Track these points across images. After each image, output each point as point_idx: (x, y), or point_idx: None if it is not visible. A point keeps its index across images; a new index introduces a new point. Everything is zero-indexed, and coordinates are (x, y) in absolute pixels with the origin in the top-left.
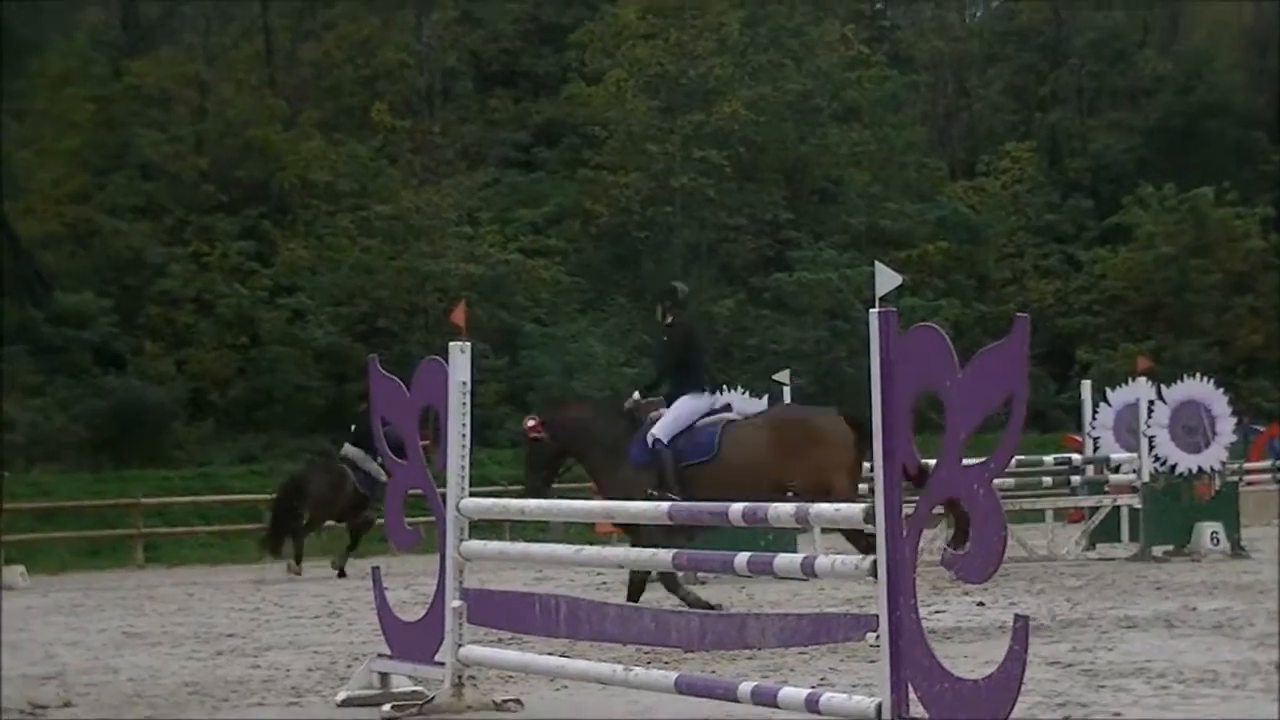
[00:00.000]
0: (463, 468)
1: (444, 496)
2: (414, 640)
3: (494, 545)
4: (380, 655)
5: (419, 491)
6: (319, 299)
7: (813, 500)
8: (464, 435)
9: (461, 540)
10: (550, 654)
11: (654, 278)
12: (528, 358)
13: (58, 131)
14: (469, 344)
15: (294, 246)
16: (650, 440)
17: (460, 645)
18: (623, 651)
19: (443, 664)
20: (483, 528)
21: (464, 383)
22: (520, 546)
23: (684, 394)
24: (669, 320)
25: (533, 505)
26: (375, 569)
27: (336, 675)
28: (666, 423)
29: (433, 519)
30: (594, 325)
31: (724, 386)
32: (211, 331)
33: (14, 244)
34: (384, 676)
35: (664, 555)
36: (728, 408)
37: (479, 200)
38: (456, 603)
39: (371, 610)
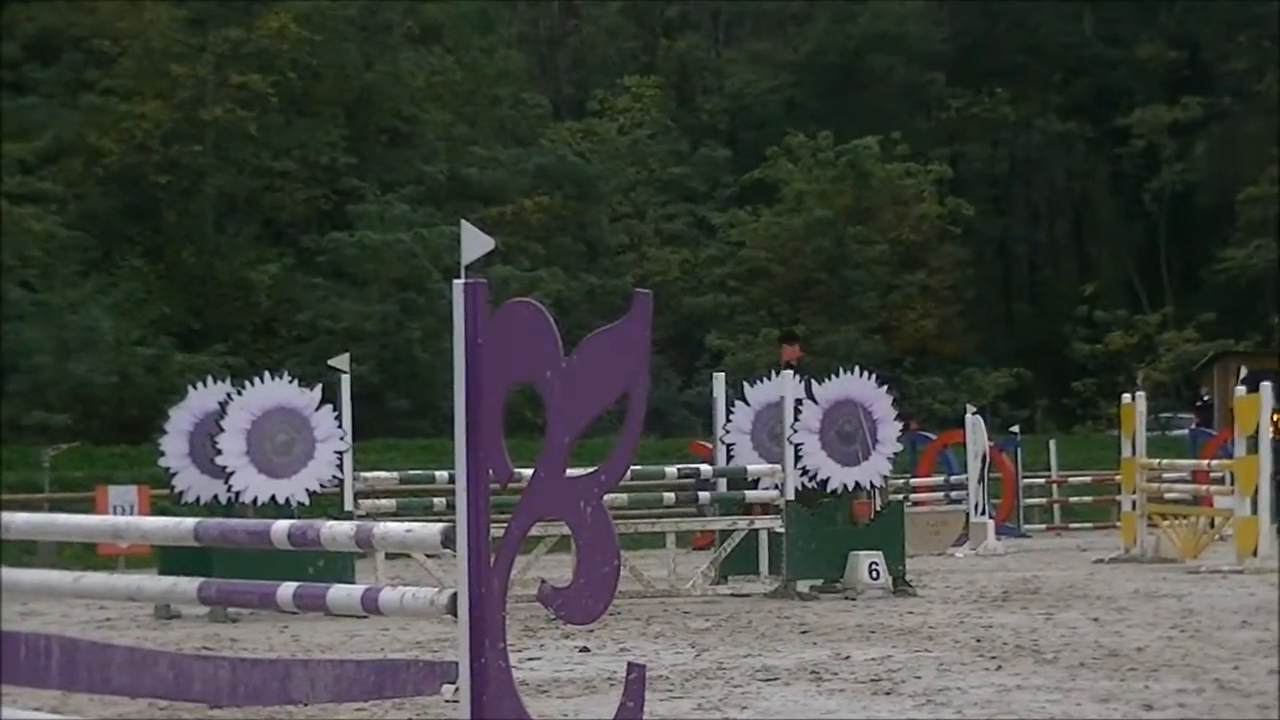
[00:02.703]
0: None
1: None
2: None
3: None
4: None
5: None
6: None
7: None
8: None
9: None
10: (38, 710)
11: (178, 233)
12: (12, 331)
13: None
14: None
15: None
16: None
17: None
18: (132, 706)
19: None
20: None
21: None
22: (2, 573)
23: None
24: None
25: (20, 520)
26: None
27: None
28: None
29: None
30: (100, 292)
31: (266, 372)
32: None
33: None
34: None
35: (186, 585)
36: None
37: None
38: None
39: None
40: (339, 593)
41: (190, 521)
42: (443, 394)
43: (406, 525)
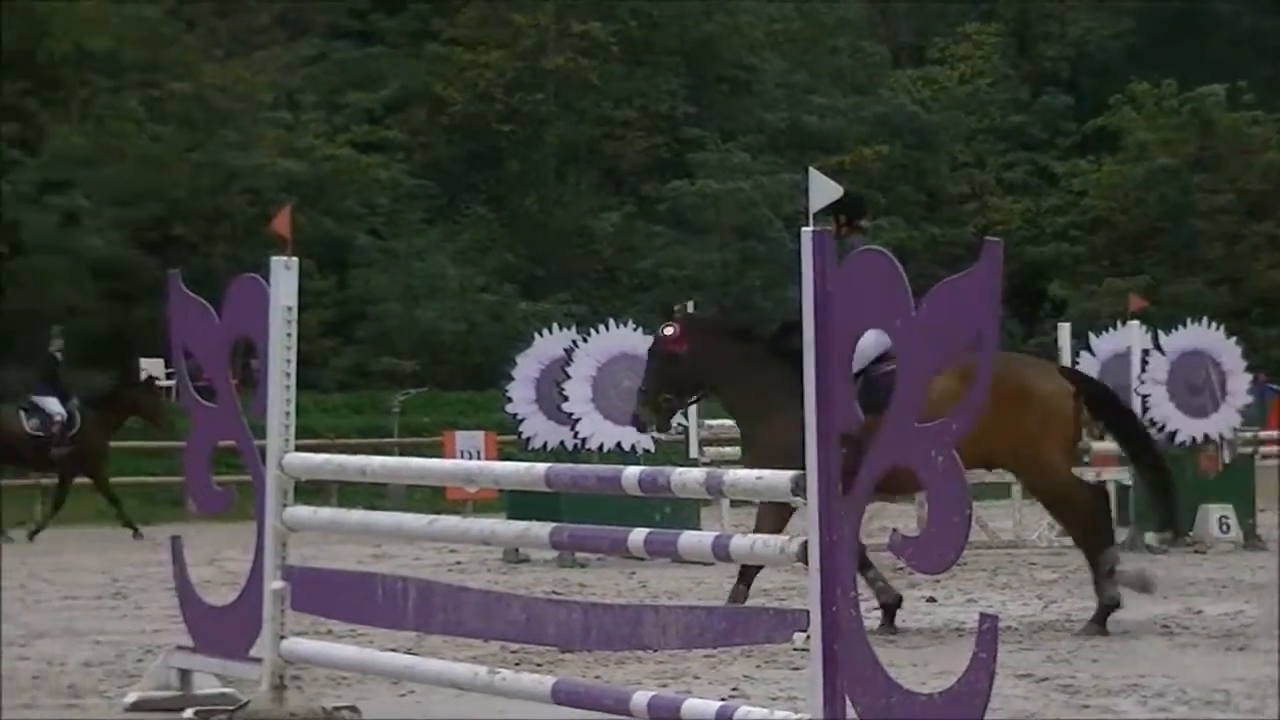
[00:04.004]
0: (286, 414)
1: (262, 451)
2: (223, 630)
3: (325, 513)
4: (179, 648)
5: (230, 443)
6: (98, 198)
7: (1020, 476)
8: (288, 374)
9: (285, 506)
10: (394, 650)
11: (520, 181)
12: (360, 278)
13: None
14: (295, 259)
15: (66, 131)
16: None
17: (282, 637)
18: (485, 649)
19: (259, 660)
20: (306, 491)
21: (289, 308)
22: (359, 515)
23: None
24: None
25: (377, 464)
26: (175, 539)
27: (124, 671)
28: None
29: (247, 478)
30: (445, 239)
31: (609, 319)
32: None
33: None
34: (184, 674)
35: (539, 529)
36: None
37: (301, 79)
38: (278, 584)
39: (167, 591)
40: (690, 539)
41: (541, 467)
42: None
43: (757, 473)
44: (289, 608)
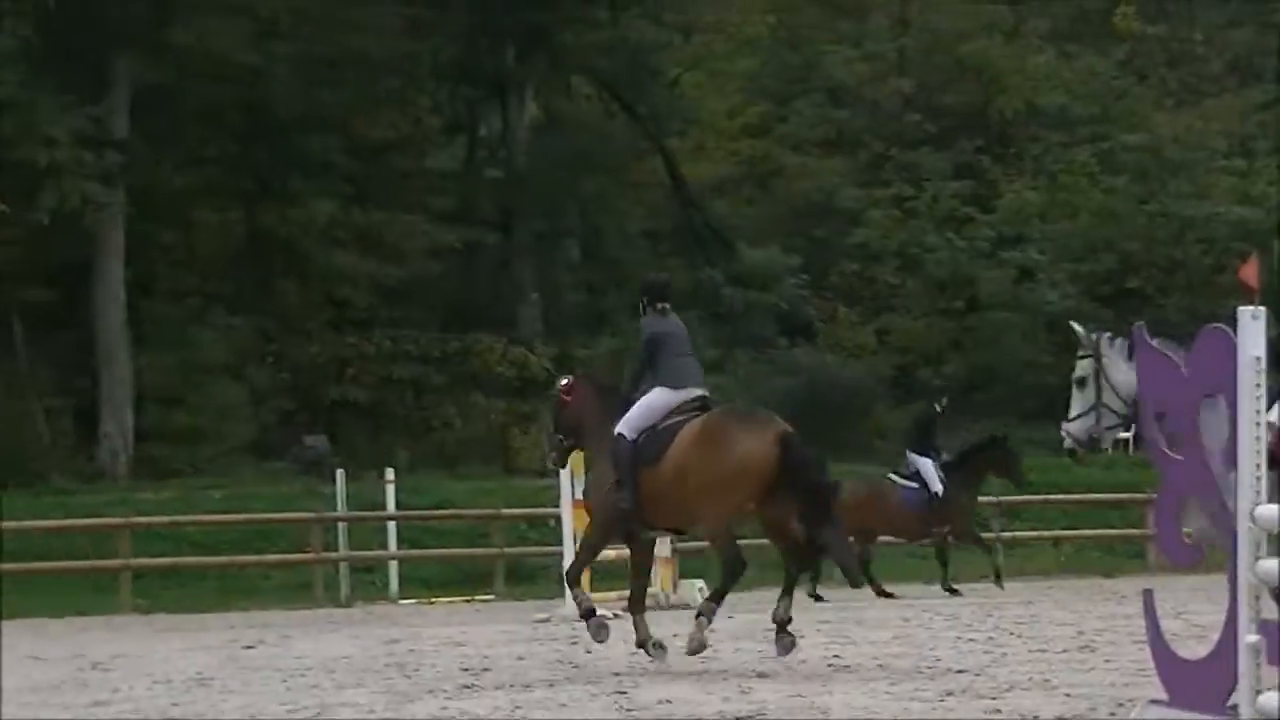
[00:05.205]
0: (1258, 466)
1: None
2: (1196, 683)
3: None
4: (1153, 701)
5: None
6: (1052, 253)
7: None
8: (1258, 425)
9: (1257, 559)
10: None
11: None
12: None
13: (730, 50)
14: (1262, 309)
15: (1019, 188)
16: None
17: (1258, 692)
18: None
19: (1236, 714)
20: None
21: (1258, 358)
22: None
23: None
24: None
25: None
26: (1148, 593)
27: None
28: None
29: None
30: None
31: None
32: (919, 294)
33: (682, 189)
34: None
35: None
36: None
37: (1254, 126)
38: (1252, 638)
39: (1134, 643)
40: None
41: None
42: None
43: None
44: (1265, 662)
